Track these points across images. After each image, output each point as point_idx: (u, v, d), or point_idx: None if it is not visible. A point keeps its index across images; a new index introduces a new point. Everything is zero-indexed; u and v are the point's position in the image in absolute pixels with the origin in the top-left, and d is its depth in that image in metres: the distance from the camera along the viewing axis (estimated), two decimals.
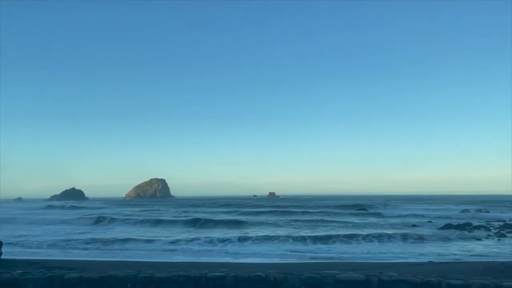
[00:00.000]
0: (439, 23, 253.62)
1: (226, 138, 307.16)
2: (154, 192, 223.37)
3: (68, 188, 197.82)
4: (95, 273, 8.55)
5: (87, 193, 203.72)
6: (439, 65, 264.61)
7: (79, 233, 28.84)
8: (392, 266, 13.96)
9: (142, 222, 37.87)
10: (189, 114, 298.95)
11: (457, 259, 16.97)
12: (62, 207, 78.45)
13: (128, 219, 40.73)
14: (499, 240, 24.31)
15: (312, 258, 17.86)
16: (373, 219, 40.72)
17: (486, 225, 32.67)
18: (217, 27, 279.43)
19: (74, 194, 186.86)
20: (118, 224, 37.45)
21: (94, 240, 23.58)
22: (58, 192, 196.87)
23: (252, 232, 28.77)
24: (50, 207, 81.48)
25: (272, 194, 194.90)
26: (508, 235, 26.53)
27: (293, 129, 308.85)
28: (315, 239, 23.30)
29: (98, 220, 40.00)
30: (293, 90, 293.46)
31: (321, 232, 28.44)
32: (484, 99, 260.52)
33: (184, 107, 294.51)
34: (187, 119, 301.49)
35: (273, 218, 41.34)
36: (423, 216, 44.25)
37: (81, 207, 77.38)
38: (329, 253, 19.28)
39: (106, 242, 23.07)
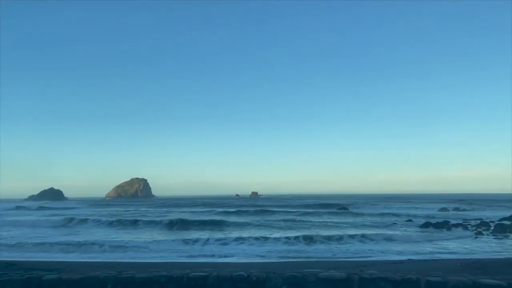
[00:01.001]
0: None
1: (209, 138, 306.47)
2: (135, 192, 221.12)
3: (46, 188, 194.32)
4: (75, 275, 8.42)
5: (66, 193, 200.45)
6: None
7: (37, 236, 26.13)
8: (372, 264, 14.13)
9: (116, 223, 35.73)
10: (172, 114, 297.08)
11: (436, 257, 17.29)
12: (28, 208, 73.23)
13: (100, 219, 38.08)
14: (476, 238, 24.88)
15: (294, 257, 17.96)
16: (353, 218, 41.15)
17: (464, 223, 33.36)
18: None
19: (52, 194, 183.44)
20: (89, 225, 35.13)
21: (54, 244, 21.48)
22: (37, 192, 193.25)
23: (234, 232, 28.76)
24: (18, 208, 75.66)
25: (254, 194, 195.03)
26: (484, 232, 27.19)
27: (276, 129, 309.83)
28: (297, 239, 23.38)
29: (67, 222, 37.04)
30: (279, 91, 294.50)
31: (302, 231, 28.57)
32: (475, 100, 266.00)
33: (167, 107, 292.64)
34: (170, 119, 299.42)
35: (254, 218, 41.36)
36: (402, 214, 44.88)
37: (52, 208, 73.58)
38: (311, 252, 19.39)
39: (71, 245, 21.22)
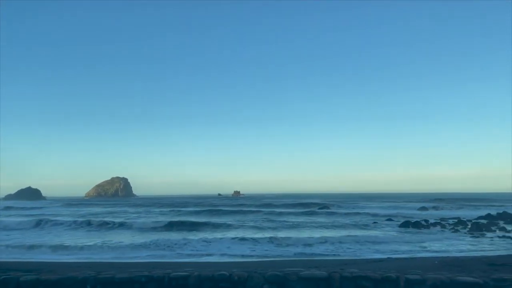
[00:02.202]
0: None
1: (190, 137, 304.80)
2: (116, 191, 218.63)
3: (24, 187, 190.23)
4: (53, 275, 8.27)
5: (45, 192, 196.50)
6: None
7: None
8: (353, 263, 14.30)
9: (84, 224, 33.08)
10: (153, 113, 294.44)
11: (415, 255, 17.59)
12: None
13: (68, 221, 35.04)
14: (453, 236, 25.38)
15: (275, 256, 18.02)
16: (334, 217, 41.51)
17: (442, 222, 34.00)
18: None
19: (30, 194, 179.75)
20: (57, 228, 31.94)
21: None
22: (14, 191, 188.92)
23: (215, 231, 28.68)
24: None
25: (237, 193, 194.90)
26: (461, 231, 27.80)
27: (259, 128, 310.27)
28: (278, 238, 23.43)
29: (27, 224, 33.38)
30: (262, 90, 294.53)
31: (284, 230, 28.74)
32: (456, 101, 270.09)
33: (148, 106, 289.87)
34: (152, 118, 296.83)
35: (236, 218, 41.34)
36: (383, 214, 45.49)
37: (19, 208, 69.30)
38: (292, 251, 19.48)
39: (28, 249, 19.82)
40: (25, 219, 37.45)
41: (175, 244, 21.68)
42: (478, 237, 24.82)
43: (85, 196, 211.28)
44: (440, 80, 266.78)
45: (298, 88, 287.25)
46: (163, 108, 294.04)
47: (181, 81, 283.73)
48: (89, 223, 33.73)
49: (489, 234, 25.96)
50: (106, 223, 33.88)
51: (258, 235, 25.06)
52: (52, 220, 35.74)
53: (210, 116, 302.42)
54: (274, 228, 30.26)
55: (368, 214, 46.29)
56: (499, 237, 24.61)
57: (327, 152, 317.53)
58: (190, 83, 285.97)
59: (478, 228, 28.55)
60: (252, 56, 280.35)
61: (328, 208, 58.87)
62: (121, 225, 32.90)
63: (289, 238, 23.32)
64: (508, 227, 29.46)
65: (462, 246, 20.91)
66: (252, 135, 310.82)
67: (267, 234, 25.12)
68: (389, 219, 37.74)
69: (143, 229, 31.11)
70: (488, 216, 37.72)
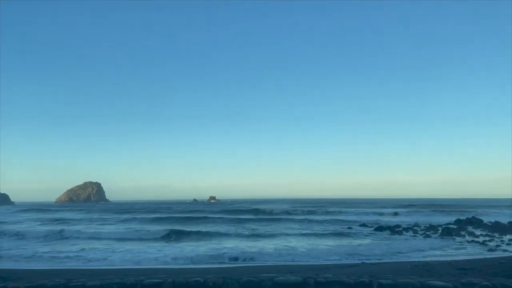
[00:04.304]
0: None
1: (166, 141, 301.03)
2: (88, 196, 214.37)
3: None
4: (21, 283, 8.02)
5: (14, 197, 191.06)
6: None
7: None
8: (328, 268, 14.42)
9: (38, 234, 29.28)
10: (128, 116, 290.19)
11: (387, 260, 17.89)
12: None
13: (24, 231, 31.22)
14: (425, 241, 25.96)
15: (250, 262, 17.97)
16: (307, 223, 41.65)
17: (414, 227, 34.71)
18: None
19: None
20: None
21: None
22: None
23: (189, 237, 28.37)
24: None
25: (212, 198, 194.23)
26: (433, 236, 28.48)
27: (236, 132, 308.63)
28: (254, 243, 23.41)
29: None
30: (237, 92, 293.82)
31: (258, 236, 28.68)
32: (428, 106, 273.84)
33: (122, 109, 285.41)
34: (125, 121, 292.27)
35: (211, 223, 41.00)
36: (356, 219, 46.00)
37: None
38: (267, 257, 19.47)
39: None
40: None
41: (148, 250, 21.38)
42: (448, 241, 25.45)
43: (56, 201, 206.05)
44: (413, 85, 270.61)
45: (281, 93, 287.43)
46: (138, 111, 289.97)
47: (157, 83, 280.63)
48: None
49: (458, 239, 26.66)
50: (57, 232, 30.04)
51: (234, 239, 24.92)
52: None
53: (187, 118, 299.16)
54: (249, 235, 30.03)
55: (341, 220, 46.68)
56: (468, 241, 25.31)
57: (301, 157, 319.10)
58: (165, 85, 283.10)
59: (448, 233, 29.31)
60: (232, 59, 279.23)
61: (301, 214, 59.20)
62: (85, 233, 30.00)
63: (265, 243, 23.31)
64: (477, 232, 30.35)
65: (433, 251, 21.40)
66: (228, 140, 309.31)
67: (243, 239, 25.02)
68: (363, 225, 38.21)
69: (109, 239, 28.02)
70: (457, 221, 38.78)
